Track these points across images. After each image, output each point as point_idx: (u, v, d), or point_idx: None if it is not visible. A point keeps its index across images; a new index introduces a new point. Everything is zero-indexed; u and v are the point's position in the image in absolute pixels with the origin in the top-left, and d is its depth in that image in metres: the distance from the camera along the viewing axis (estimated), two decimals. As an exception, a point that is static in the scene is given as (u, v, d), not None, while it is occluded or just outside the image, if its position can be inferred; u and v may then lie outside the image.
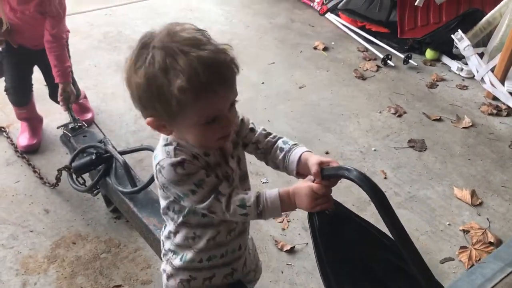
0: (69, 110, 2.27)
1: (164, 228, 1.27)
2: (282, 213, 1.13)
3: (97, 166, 1.92)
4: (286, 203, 1.08)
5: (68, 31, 2.34)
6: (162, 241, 1.29)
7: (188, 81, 0.91)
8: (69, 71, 2.25)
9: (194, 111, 0.96)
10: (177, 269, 1.25)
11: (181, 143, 1.06)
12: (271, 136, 1.21)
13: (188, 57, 0.92)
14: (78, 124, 2.20)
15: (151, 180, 1.73)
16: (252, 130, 1.21)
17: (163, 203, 1.18)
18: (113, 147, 1.98)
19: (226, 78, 0.96)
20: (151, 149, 1.85)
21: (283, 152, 1.17)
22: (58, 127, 2.43)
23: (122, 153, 1.95)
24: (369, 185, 1.03)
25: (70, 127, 2.21)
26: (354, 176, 1.03)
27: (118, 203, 1.89)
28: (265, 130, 1.22)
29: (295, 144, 1.19)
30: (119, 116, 2.75)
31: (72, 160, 1.98)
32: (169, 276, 1.28)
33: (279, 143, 1.19)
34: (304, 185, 1.08)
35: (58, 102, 2.31)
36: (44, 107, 2.62)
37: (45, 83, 2.44)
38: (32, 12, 2.09)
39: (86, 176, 2.05)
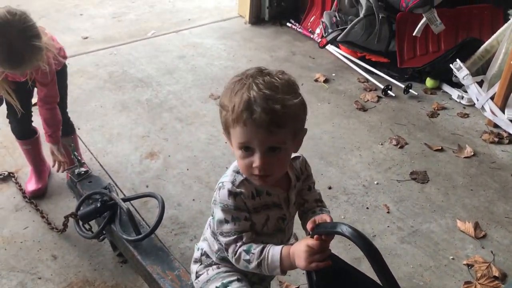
0: (74, 154, 2.32)
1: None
2: (283, 273, 1.18)
3: (102, 213, 1.96)
4: (286, 261, 1.16)
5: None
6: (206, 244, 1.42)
7: (232, 105, 1.10)
8: (57, 134, 2.30)
9: (234, 134, 1.13)
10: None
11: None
12: (319, 203, 1.34)
13: (247, 91, 1.08)
14: (84, 170, 2.25)
15: (155, 227, 1.76)
16: (310, 189, 1.35)
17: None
18: (117, 194, 2.02)
19: (259, 120, 1.07)
20: (154, 196, 1.89)
21: (308, 216, 1.29)
22: (63, 171, 2.49)
23: (126, 199, 1.99)
24: (362, 242, 1.05)
25: (75, 172, 2.26)
26: (348, 233, 1.06)
27: (123, 250, 1.92)
28: (319, 195, 1.36)
29: (322, 212, 1.28)
30: (124, 157, 2.80)
31: (78, 208, 2.02)
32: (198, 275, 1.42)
33: (317, 209, 1.31)
34: (302, 243, 1.12)
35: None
36: (52, 150, 2.69)
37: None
38: (23, 80, 2.15)
39: (92, 220, 2.09)
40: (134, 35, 4.22)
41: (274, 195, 1.24)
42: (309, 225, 1.15)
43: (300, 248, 1.12)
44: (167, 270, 1.70)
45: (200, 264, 1.42)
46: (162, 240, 2.17)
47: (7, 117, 2.41)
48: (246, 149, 1.13)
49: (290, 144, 1.15)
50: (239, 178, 1.20)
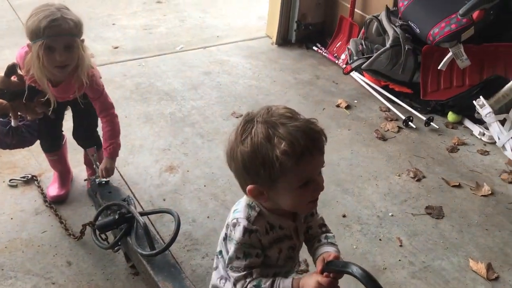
0: (96, 164, 2.39)
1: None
2: None
3: (119, 225, 2.01)
4: None
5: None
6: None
7: (290, 145, 1.08)
8: (114, 147, 2.34)
9: (294, 174, 1.11)
10: None
11: (263, 211, 1.22)
12: (324, 228, 1.36)
13: (286, 127, 1.10)
14: (105, 180, 2.31)
15: (169, 244, 1.81)
16: (312, 214, 1.36)
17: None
18: (135, 207, 2.07)
19: (319, 145, 1.13)
20: (171, 213, 1.94)
21: (316, 245, 1.32)
22: (85, 180, 2.56)
23: (144, 214, 2.04)
24: (372, 285, 1.07)
25: (96, 181, 2.33)
26: (358, 274, 1.09)
27: (137, 263, 1.97)
28: (322, 220, 1.38)
29: (329, 242, 1.32)
30: (144, 169, 2.86)
31: (97, 217, 2.08)
32: None
33: (322, 236, 1.33)
34: (312, 279, 1.15)
35: (79, 142, 2.52)
36: (76, 157, 2.76)
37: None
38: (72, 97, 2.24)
39: (109, 231, 2.15)
40: (163, 48, 4.32)
41: (286, 228, 1.26)
42: (319, 265, 1.18)
43: (310, 283, 1.14)
44: (178, 288, 1.73)
45: None
46: (175, 255, 2.23)
47: (39, 132, 2.44)
48: (306, 183, 1.14)
49: None
50: (253, 214, 1.22)
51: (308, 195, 1.17)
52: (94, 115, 2.38)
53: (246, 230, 1.19)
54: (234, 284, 1.24)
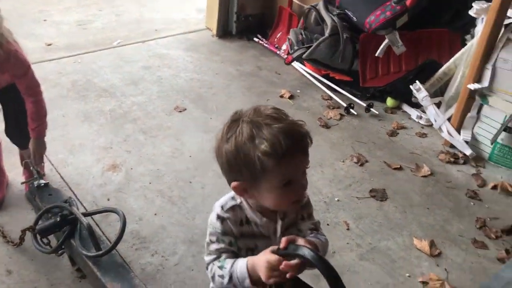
0: (34, 167, 2.27)
1: None
2: (254, 283, 1.19)
3: (61, 228, 1.92)
4: (253, 272, 1.18)
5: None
6: None
7: (271, 146, 1.09)
8: (43, 127, 2.26)
9: (275, 174, 1.12)
10: None
11: (243, 204, 1.25)
12: (314, 231, 1.33)
13: (271, 128, 1.11)
14: (43, 182, 2.21)
15: (115, 244, 1.75)
16: (303, 218, 1.34)
17: None
18: (78, 208, 1.99)
19: (302, 146, 1.15)
20: (116, 212, 1.88)
21: None
22: (22, 183, 2.44)
23: (87, 214, 1.97)
24: (323, 266, 1.07)
25: (35, 184, 2.22)
26: (309, 256, 1.09)
27: (82, 266, 1.90)
28: (315, 225, 1.35)
29: (315, 236, 1.30)
30: (86, 169, 2.76)
31: (37, 222, 1.98)
32: None
33: (311, 236, 1.31)
34: (263, 256, 1.15)
35: (13, 140, 2.37)
36: (10, 160, 2.62)
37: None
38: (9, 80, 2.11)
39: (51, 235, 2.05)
40: (99, 44, 4.18)
41: (263, 227, 1.26)
42: (282, 244, 1.16)
43: (260, 262, 1.14)
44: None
45: None
46: (123, 255, 2.16)
47: None
48: (288, 183, 1.15)
49: None
50: (231, 203, 1.25)
51: (291, 195, 1.18)
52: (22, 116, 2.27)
53: (218, 217, 1.23)
54: (207, 269, 1.27)
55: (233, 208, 1.25)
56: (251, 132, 1.12)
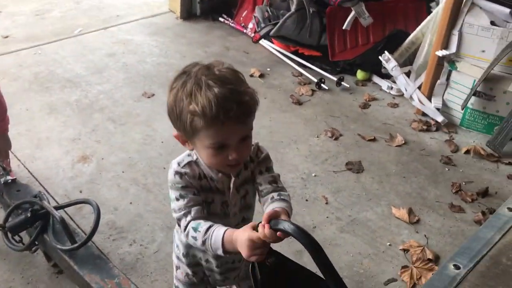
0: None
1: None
2: (226, 253, 1.16)
3: (33, 223, 1.85)
4: (228, 244, 1.15)
5: None
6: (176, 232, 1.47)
7: (201, 110, 1.08)
8: (7, 123, 2.15)
9: (205, 136, 1.13)
10: (181, 263, 1.46)
11: (199, 161, 1.25)
12: (274, 184, 1.28)
13: (210, 90, 1.08)
14: (10, 178, 2.12)
15: (91, 235, 1.69)
16: (261, 172, 1.29)
17: None
18: (49, 202, 1.92)
19: (236, 115, 1.09)
20: (89, 202, 1.81)
21: (266, 203, 1.26)
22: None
23: (59, 207, 1.89)
24: (306, 240, 1.05)
25: (1, 181, 2.13)
26: (290, 230, 1.06)
27: (58, 260, 1.83)
28: (274, 177, 1.29)
29: (282, 199, 1.24)
30: (55, 162, 2.67)
31: (6, 219, 1.89)
32: (177, 268, 1.51)
33: (275, 193, 1.26)
34: (245, 234, 1.10)
35: None
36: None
37: None
38: None
39: (23, 231, 1.98)
40: (59, 33, 4.03)
41: (218, 181, 1.26)
42: (263, 219, 1.12)
43: (242, 239, 1.10)
44: (106, 278, 1.63)
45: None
46: (100, 247, 2.11)
47: None
48: (221, 147, 1.15)
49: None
50: (187, 159, 1.25)
51: (223, 158, 1.16)
52: None
53: (176, 172, 1.22)
54: (178, 225, 1.24)
55: (189, 164, 1.24)
56: (191, 89, 1.10)
